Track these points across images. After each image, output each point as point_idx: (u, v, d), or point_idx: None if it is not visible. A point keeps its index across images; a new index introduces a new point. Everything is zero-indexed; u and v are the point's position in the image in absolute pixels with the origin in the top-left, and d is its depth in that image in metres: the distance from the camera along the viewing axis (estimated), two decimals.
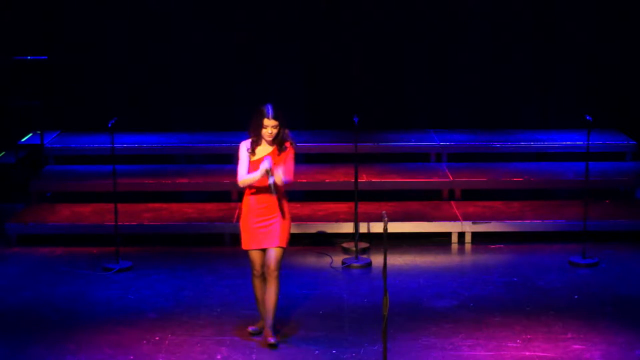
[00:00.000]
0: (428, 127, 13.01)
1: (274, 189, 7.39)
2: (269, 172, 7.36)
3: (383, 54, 12.91)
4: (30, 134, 12.55)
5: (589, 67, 12.83)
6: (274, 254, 7.57)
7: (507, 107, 13.03)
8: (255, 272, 7.70)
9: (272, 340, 7.60)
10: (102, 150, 11.88)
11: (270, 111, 7.41)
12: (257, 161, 7.47)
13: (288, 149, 7.54)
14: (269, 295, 7.60)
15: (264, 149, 7.51)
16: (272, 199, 7.49)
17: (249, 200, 7.61)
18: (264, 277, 7.65)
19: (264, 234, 7.57)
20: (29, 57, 12.39)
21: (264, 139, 7.48)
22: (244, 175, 7.48)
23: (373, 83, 12.95)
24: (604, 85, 12.84)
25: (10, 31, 12.56)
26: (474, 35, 12.85)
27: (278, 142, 7.51)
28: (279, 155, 7.52)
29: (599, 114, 11.67)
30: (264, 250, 7.62)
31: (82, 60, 12.77)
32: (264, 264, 7.62)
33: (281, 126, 7.45)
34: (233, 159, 12.13)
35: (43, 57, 12.40)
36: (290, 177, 7.53)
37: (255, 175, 7.42)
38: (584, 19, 12.77)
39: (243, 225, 7.68)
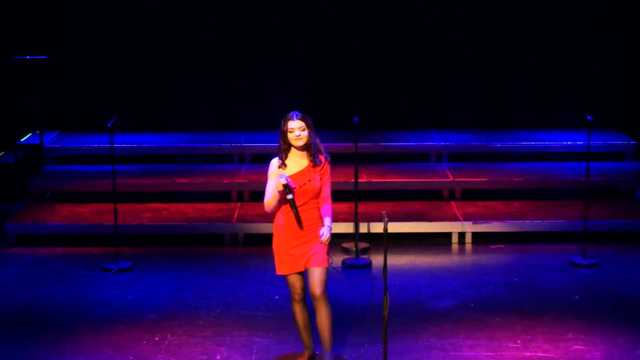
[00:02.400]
0: (428, 127, 13.01)
1: (294, 206, 6.86)
2: (286, 188, 6.77)
3: (383, 53, 12.90)
4: (30, 134, 12.54)
5: (589, 67, 12.83)
6: (319, 275, 6.94)
7: (507, 107, 13.02)
8: (296, 296, 7.06)
9: None
10: (102, 150, 11.88)
11: (295, 114, 6.89)
12: (290, 177, 6.87)
13: (324, 164, 7.00)
14: (321, 319, 7.00)
15: (297, 163, 6.96)
16: (310, 217, 6.95)
17: (283, 221, 6.98)
18: (304, 302, 7.12)
19: (304, 255, 6.98)
20: (29, 57, 12.38)
21: (294, 146, 6.91)
22: (266, 198, 6.91)
23: (373, 83, 12.95)
24: (604, 85, 12.83)
25: (10, 31, 12.55)
26: (474, 35, 12.84)
27: (311, 153, 6.95)
28: (313, 168, 6.96)
29: (599, 114, 11.66)
30: (302, 273, 7.05)
31: (82, 60, 12.77)
32: (304, 287, 7.06)
33: (309, 129, 6.90)
34: (233, 159, 12.22)
35: (43, 57, 12.39)
36: (329, 201, 7.09)
37: (274, 193, 6.84)
38: (584, 19, 12.76)
39: (279, 248, 7.02)
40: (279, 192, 6.83)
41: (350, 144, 10.98)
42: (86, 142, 12.28)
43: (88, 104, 12.82)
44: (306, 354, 7.33)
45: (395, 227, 10.32)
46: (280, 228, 7.01)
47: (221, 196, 11.45)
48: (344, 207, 10.91)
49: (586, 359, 7.44)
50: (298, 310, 7.16)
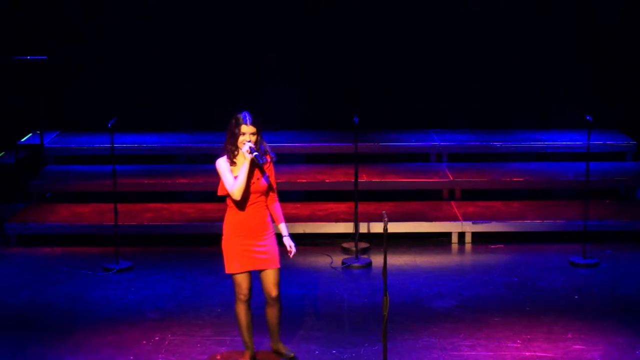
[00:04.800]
0: (428, 127, 13.01)
1: (259, 159, 6.92)
2: (252, 150, 6.88)
3: (383, 53, 12.90)
4: (30, 134, 12.55)
5: (589, 67, 12.83)
6: (274, 276, 7.09)
7: (507, 107, 13.02)
8: (242, 296, 7.08)
9: (291, 353, 7.37)
10: (102, 150, 11.88)
11: (247, 117, 6.94)
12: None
13: (269, 162, 7.07)
14: (273, 318, 7.20)
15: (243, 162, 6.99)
16: (261, 216, 7.04)
17: (236, 219, 7.04)
18: (249, 303, 7.14)
19: (258, 254, 7.04)
20: (29, 57, 12.39)
21: (241, 149, 6.96)
22: (236, 181, 6.92)
23: (373, 83, 12.95)
24: (604, 85, 12.83)
25: (10, 31, 12.56)
26: (474, 35, 12.84)
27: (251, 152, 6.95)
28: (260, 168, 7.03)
29: (599, 114, 11.66)
30: (250, 273, 7.08)
31: (82, 60, 12.78)
32: (251, 288, 7.10)
33: (259, 134, 6.97)
34: None
35: (43, 57, 12.39)
36: (277, 198, 7.18)
37: (244, 169, 6.88)
38: (584, 19, 12.76)
39: (229, 247, 7.06)
40: (252, 159, 6.89)
41: (350, 144, 10.98)
42: (86, 142, 12.28)
43: (88, 104, 12.82)
44: (247, 354, 7.32)
45: (395, 227, 10.32)
46: (234, 226, 7.04)
47: (221, 196, 11.42)
48: (344, 207, 10.92)
49: (586, 359, 7.44)
50: (242, 311, 7.15)
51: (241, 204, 7.01)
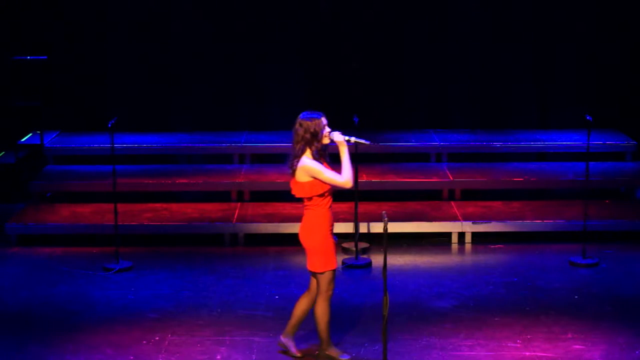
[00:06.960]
0: (428, 127, 13.01)
1: (361, 142, 7.15)
2: (347, 139, 7.06)
3: (383, 53, 12.90)
4: (30, 134, 12.55)
5: (589, 67, 12.83)
6: None
7: (507, 107, 13.02)
8: (331, 292, 7.31)
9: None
10: (102, 150, 11.88)
11: (317, 112, 7.10)
12: None
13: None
14: (306, 311, 7.46)
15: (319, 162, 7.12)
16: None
17: (327, 215, 7.22)
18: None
19: None
20: (29, 57, 12.38)
21: (323, 144, 7.12)
22: (347, 171, 7.11)
23: (373, 83, 12.95)
24: (604, 85, 12.83)
25: (10, 31, 12.56)
26: (474, 35, 12.84)
27: (325, 150, 7.20)
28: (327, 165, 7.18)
29: (599, 114, 11.66)
30: None
31: (82, 60, 12.77)
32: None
33: None
34: (233, 159, 12.22)
35: (43, 57, 12.39)
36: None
37: (348, 157, 7.09)
38: (584, 19, 12.76)
39: (328, 244, 7.22)
40: (355, 143, 7.18)
41: (351, 144, 10.96)
42: (86, 142, 12.28)
43: (88, 104, 12.82)
44: (336, 351, 7.43)
45: (395, 227, 10.32)
46: (327, 223, 7.19)
47: (221, 196, 11.45)
48: (344, 207, 10.91)
49: (586, 359, 7.45)
50: (329, 308, 7.32)
51: (329, 199, 7.16)
